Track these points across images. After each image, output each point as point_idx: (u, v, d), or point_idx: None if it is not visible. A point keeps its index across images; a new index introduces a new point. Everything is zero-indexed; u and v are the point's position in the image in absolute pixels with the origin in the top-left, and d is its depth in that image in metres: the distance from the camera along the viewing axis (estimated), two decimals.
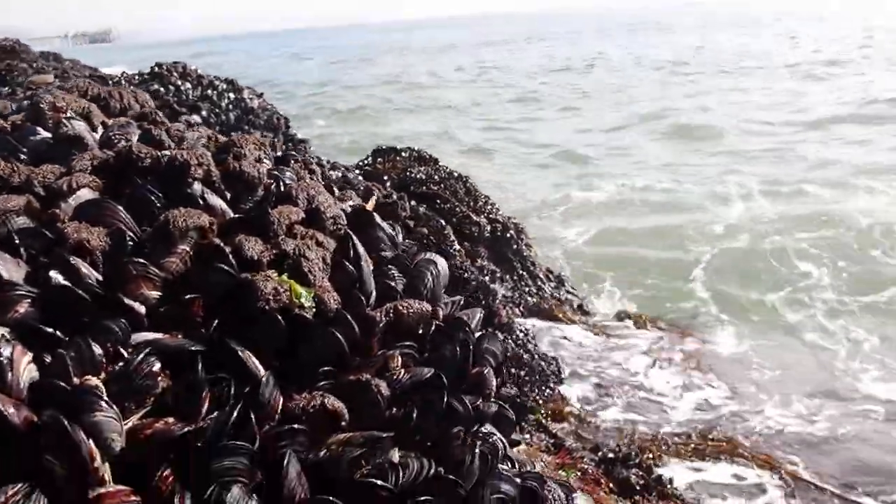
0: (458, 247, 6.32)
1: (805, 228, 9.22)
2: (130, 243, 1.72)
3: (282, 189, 2.06)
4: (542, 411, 5.46)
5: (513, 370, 5.53)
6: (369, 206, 2.28)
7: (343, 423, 1.56)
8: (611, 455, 5.03)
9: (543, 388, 5.62)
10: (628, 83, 25.13)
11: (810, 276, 7.93)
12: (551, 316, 6.99)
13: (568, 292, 7.66)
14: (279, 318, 1.62)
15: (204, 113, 7.14)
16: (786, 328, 6.90)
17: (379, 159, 8.58)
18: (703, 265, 8.57)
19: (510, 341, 5.67)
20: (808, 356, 6.33)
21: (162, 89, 7.50)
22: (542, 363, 5.75)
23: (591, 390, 6.11)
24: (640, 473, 4.82)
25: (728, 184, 11.60)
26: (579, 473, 4.57)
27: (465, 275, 5.98)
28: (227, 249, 1.73)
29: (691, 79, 25.10)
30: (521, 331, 5.85)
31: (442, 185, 7.87)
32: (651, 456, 4.96)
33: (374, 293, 1.90)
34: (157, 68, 7.83)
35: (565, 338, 6.78)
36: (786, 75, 23.94)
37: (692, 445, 5.18)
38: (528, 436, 5.14)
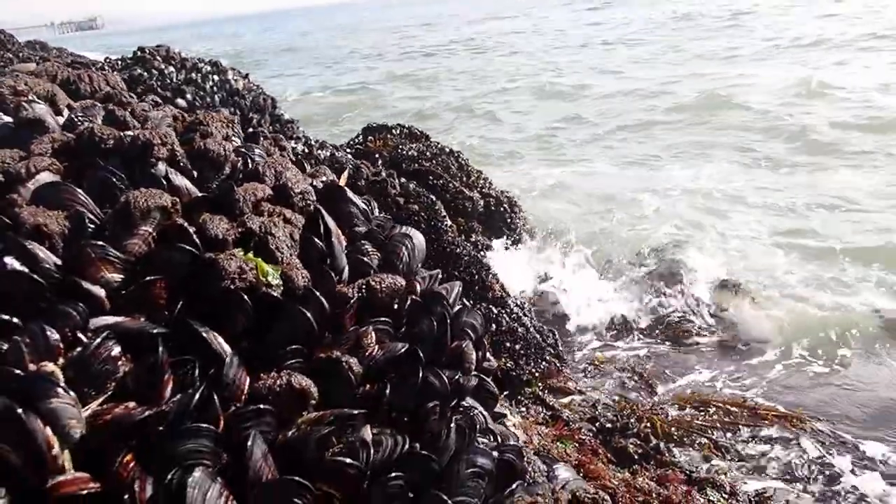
0: (449, 222, 6.27)
1: None
2: (91, 226, 1.68)
3: (249, 166, 2.01)
4: (539, 384, 5.46)
5: (507, 344, 5.52)
6: (341, 181, 2.23)
7: (312, 402, 1.53)
8: (608, 425, 5.04)
9: (539, 360, 5.61)
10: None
11: None
12: None
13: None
14: (245, 297, 1.59)
15: (189, 96, 7.05)
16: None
17: (370, 137, 8.51)
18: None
19: (504, 315, 5.65)
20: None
21: (145, 73, 7.41)
22: (538, 336, 5.73)
23: (589, 360, 6.13)
24: (638, 443, 4.82)
25: None
26: (577, 444, 4.57)
27: (458, 250, 5.95)
28: (191, 229, 1.68)
29: None
30: (515, 304, 5.83)
31: (434, 162, 7.81)
32: (649, 425, 4.96)
33: (346, 269, 1.86)
34: (139, 52, 7.73)
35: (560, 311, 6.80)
36: None
37: (689, 411, 5.19)
38: (524, 408, 5.14)
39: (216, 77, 7.62)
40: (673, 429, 4.93)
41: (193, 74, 7.57)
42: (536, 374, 5.51)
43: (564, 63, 23.60)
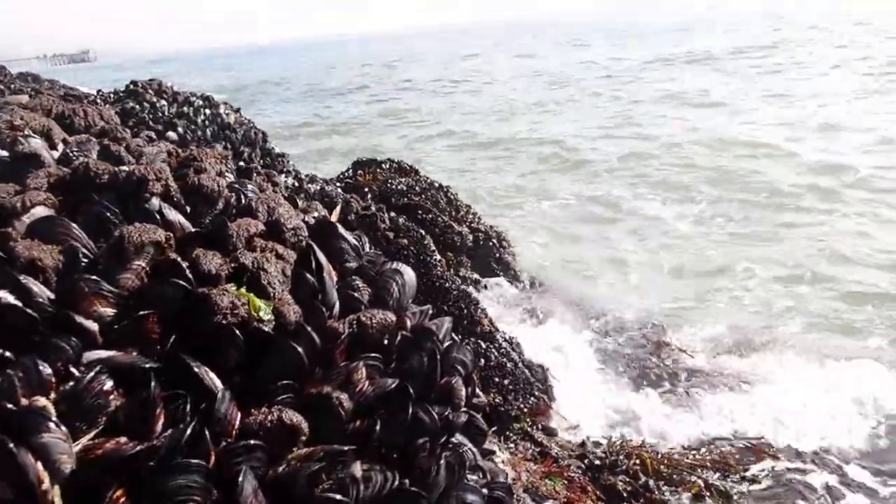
0: (438, 256, 6.30)
1: None
2: (85, 261, 1.69)
3: (242, 202, 2.04)
4: (528, 420, 5.44)
5: (496, 379, 5.51)
6: (333, 217, 2.26)
7: (303, 438, 1.54)
8: (597, 462, 5.02)
9: (528, 396, 5.59)
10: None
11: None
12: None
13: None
14: (237, 332, 1.60)
15: (180, 129, 7.10)
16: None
17: (360, 171, 8.57)
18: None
19: (493, 350, 5.65)
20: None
21: (137, 107, 7.45)
22: (527, 371, 5.72)
23: (579, 397, 6.10)
24: (627, 480, 4.80)
25: None
26: (566, 482, 4.56)
27: (447, 284, 5.97)
28: (185, 264, 1.70)
29: None
30: (504, 339, 5.83)
31: (423, 196, 7.87)
32: (638, 462, 4.95)
33: (337, 304, 1.88)
34: (132, 86, 7.78)
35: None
36: None
37: (679, 453, 5.18)
38: (513, 444, 5.11)
39: (208, 111, 7.68)
40: (662, 466, 4.91)
41: (185, 108, 7.63)
42: (525, 410, 5.50)
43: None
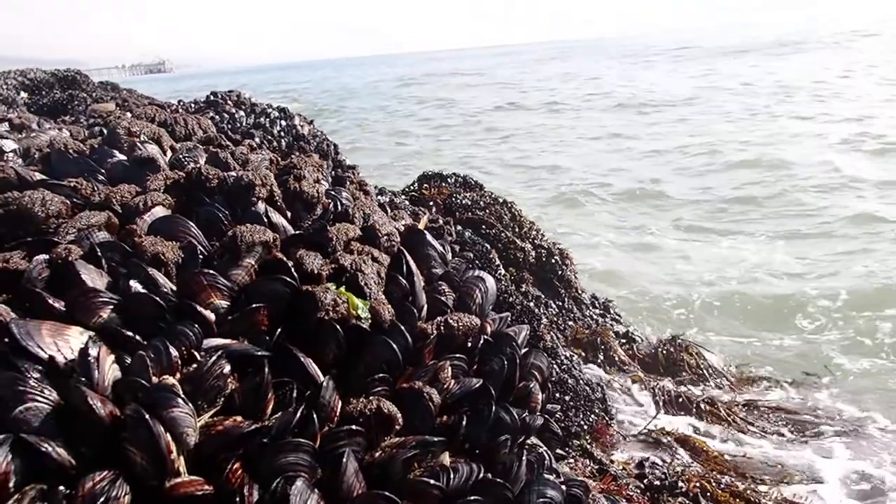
0: (502, 271, 6.38)
1: None
2: (201, 257, 1.85)
3: (339, 208, 2.18)
4: (587, 437, 5.46)
5: (557, 395, 5.55)
6: (421, 224, 2.38)
7: (397, 427, 1.65)
8: (657, 483, 5.00)
9: (588, 413, 5.61)
10: None
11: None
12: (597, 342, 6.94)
13: (613, 319, 7.65)
14: (338, 327, 1.73)
15: (257, 140, 7.35)
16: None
17: (425, 185, 8.73)
18: None
19: (555, 366, 5.70)
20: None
21: (217, 117, 7.76)
22: (588, 388, 5.75)
23: (640, 416, 6.07)
24: (687, 502, 4.77)
25: None
26: (625, 500, 4.56)
27: (510, 299, 6.04)
28: (290, 263, 1.84)
29: None
30: (565, 357, 5.87)
31: (487, 211, 7.96)
32: (697, 486, 4.91)
33: (425, 307, 2.00)
34: (212, 96, 8.10)
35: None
36: None
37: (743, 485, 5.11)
38: (572, 461, 5.14)
39: (283, 122, 7.94)
40: (722, 493, 4.86)
41: (262, 119, 7.91)
42: (585, 427, 5.51)
43: None
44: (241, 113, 8.04)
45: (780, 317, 8.04)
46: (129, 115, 2.83)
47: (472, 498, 1.58)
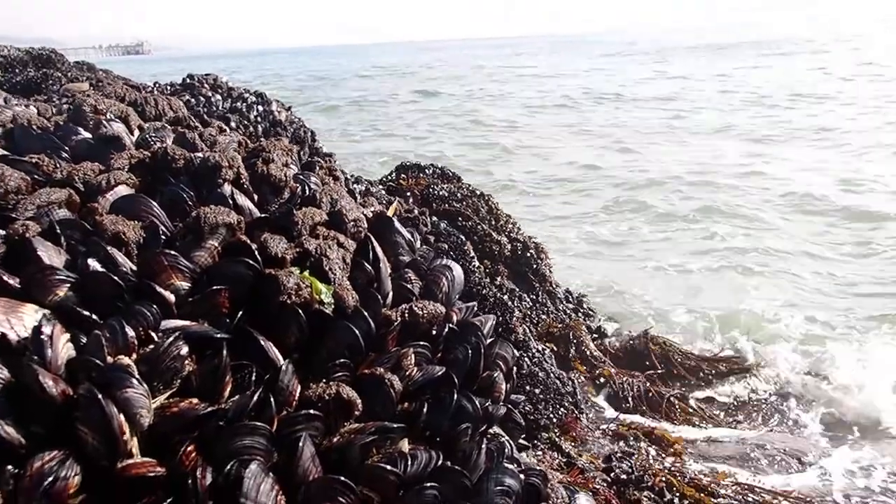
0: (477, 263, 6.38)
1: None
2: (163, 237, 1.82)
3: (307, 192, 2.16)
4: (556, 430, 5.49)
5: (527, 387, 5.57)
6: (390, 212, 2.37)
7: (356, 413, 1.64)
8: (623, 476, 5.04)
9: (558, 406, 5.64)
10: None
11: None
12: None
13: (586, 314, 7.70)
14: (300, 311, 1.71)
15: (233, 124, 7.28)
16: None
17: (402, 175, 8.70)
18: None
19: (526, 359, 5.72)
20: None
21: (193, 100, 7.66)
22: (558, 382, 5.78)
23: (610, 411, 6.11)
24: (653, 497, 4.82)
25: None
26: (591, 493, 4.59)
27: (484, 291, 6.04)
28: (254, 246, 1.82)
29: None
30: (537, 350, 5.89)
31: (464, 203, 7.96)
32: (663, 481, 4.96)
33: (390, 294, 1.99)
34: (188, 79, 8.01)
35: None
36: None
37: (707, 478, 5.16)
38: (540, 453, 5.17)
39: (260, 108, 7.87)
40: (687, 488, 4.91)
41: (239, 104, 7.83)
42: (554, 420, 5.54)
43: None
44: (218, 97, 7.95)
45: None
46: (96, 93, 2.78)
47: (429, 485, 1.58)
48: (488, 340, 2.16)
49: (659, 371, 6.59)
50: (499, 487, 1.73)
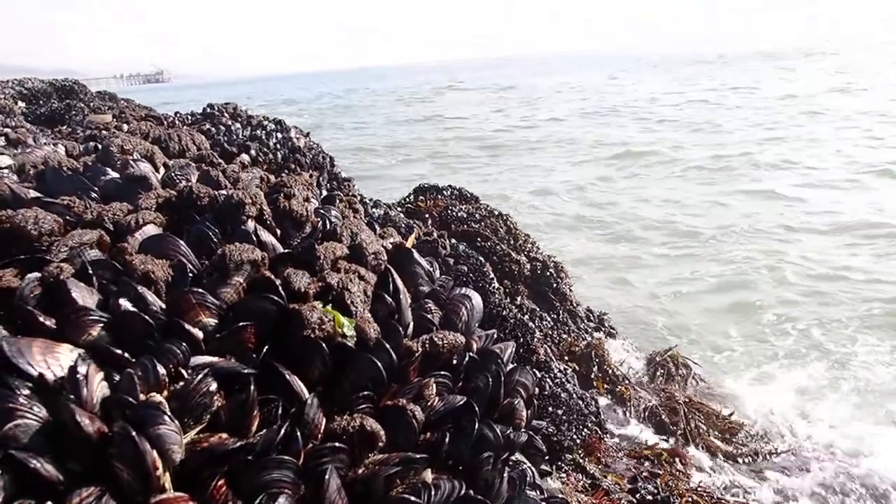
0: (497, 285, 6.41)
1: None
2: (190, 275, 1.88)
3: (327, 227, 2.22)
4: (580, 451, 5.48)
5: (549, 409, 5.57)
6: (408, 243, 2.42)
7: (380, 444, 1.68)
8: (649, 497, 5.02)
9: (581, 427, 5.63)
10: None
11: None
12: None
13: (608, 334, 7.69)
14: (323, 345, 1.76)
15: (253, 152, 7.39)
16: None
17: (420, 197, 8.78)
18: None
19: (548, 379, 5.72)
20: None
21: (213, 129, 7.79)
22: (581, 402, 5.77)
23: (635, 431, 6.08)
24: None
25: None
26: None
27: (504, 312, 6.07)
28: (277, 281, 1.88)
29: None
30: (559, 370, 5.89)
31: (482, 224, 8.01)
32: (689, 500, 4.93)
33: (411, 324, 2.03)
34: (208, 108, 8.15)
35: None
36: None
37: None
38: (564, 475, 5.16)
39: (279, 135, 7.99)
40: None
41: (258, 131, 7.96)
42: (578, 441, 5.52)
43: None
44: (238, 125, 8.09)
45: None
46: (125, 127, 2.87)
47: None
48: (508, 367, 2.19)
49: (683, 392, 6.55)
50: None
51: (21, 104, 8.13)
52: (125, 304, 1.69)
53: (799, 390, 6.63)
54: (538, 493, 2.04)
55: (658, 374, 6.98)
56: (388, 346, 1.84)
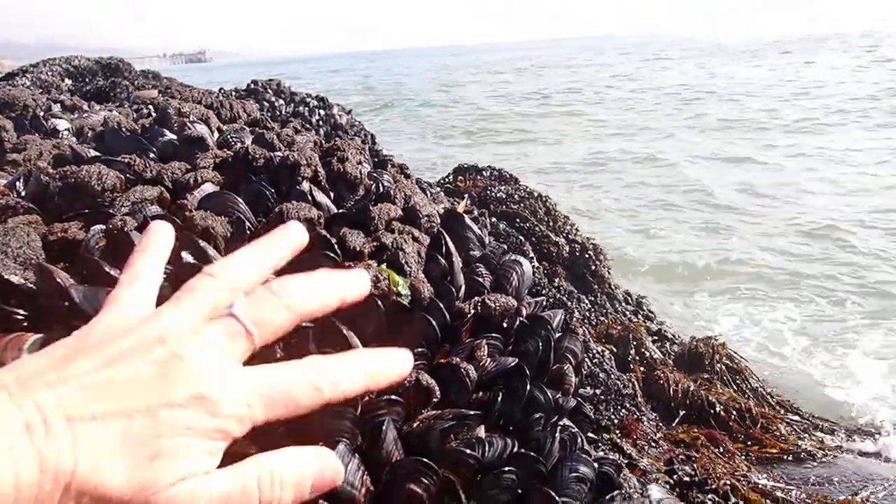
0: (536, 264, 6.40)
1: None
2: (248, 231, 1.91)
3: (381, 189, 2.23)
4: (617, 432, 5.47)
5: (588, 388, 5.57)
6: (460, 208, 2.43)
7: (434, 400, 1.70)
8: (686, 479, 4.99)
9: (619, 407, 5.62)
10: None
11: None
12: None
13: (646, 317, 7.63)
14: (379, 302, 1.78)
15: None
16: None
17: (460, 177, 8.77)
18: None
19: (587, 360, 5.71)
20: None
21: (257, 105, 7.87)
22: (619, 383, 5.75)
23: (671, 414, 6.04)
24: (717, 500, 4.76)
25: None
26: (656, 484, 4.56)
27: (543, 292, 6.06)
28: (333, 240, 1.90)
29: None
30: (596, 351, 5.87)
31: (521, 205, 7.98)
32: (727, 484, 4.89)
33: (463, 287, 2.04)
34: (252, 85, 8.23)
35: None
36: None
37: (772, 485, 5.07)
38: (601, 454, 5.15)
39: (322, 111, 8.05)
40: (753, 494, 4.83)
41: (301, 108, 8.03)
42: (615, 421, 5.51)
43: None
44: (281, 101, 8.16)
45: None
46: (145, 98, 2.92)
47: (507, 469, 1.63)
48: (557, 334, 2.19)
49: (722, 379, 6.48)
50: (573, 474, 1.76)
51: (68, 81, 8.28)
52: (186, 257, 1.72)
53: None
54: (587, 456, 2.05)
55: (698, 360, 6.90)
56: (441, 305, 1.85)
